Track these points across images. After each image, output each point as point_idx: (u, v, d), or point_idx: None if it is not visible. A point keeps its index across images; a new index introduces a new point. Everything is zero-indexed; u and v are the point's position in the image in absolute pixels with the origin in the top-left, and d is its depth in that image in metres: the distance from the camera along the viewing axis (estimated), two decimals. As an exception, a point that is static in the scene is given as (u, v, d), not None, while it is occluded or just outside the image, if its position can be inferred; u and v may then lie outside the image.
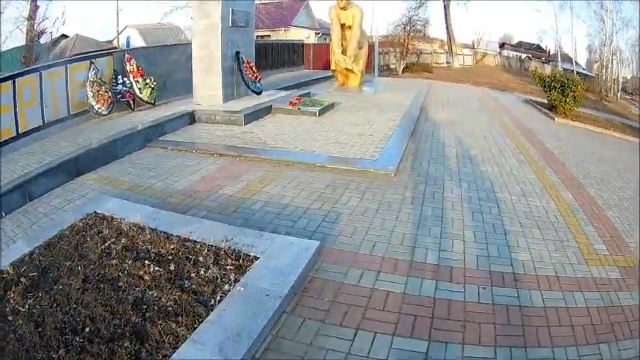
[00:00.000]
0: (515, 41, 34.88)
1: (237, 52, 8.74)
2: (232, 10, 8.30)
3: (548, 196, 4.66)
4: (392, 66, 24.32)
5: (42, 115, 7.19)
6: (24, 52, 14.16)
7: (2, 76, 6.69)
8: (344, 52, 11.59)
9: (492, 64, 29.70)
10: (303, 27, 29.07)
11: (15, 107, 6.63)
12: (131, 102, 8.70)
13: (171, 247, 2.90)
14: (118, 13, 28.91)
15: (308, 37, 27.31)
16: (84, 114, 7.96)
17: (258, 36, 24.99)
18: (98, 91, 7.97)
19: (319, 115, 7.57)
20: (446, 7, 27.43)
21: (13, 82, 6.66)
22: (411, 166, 5.05)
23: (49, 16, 15.28)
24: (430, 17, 28.65)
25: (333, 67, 12.20)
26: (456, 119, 8.59)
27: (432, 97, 11.64)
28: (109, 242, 3.02)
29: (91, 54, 9.34)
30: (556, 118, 11.00)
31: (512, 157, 6.15)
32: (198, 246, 2.91)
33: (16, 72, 6.96)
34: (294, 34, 26.30)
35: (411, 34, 24.61)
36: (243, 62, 8.76)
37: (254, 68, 9.10)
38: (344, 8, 11.46)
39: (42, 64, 8.13)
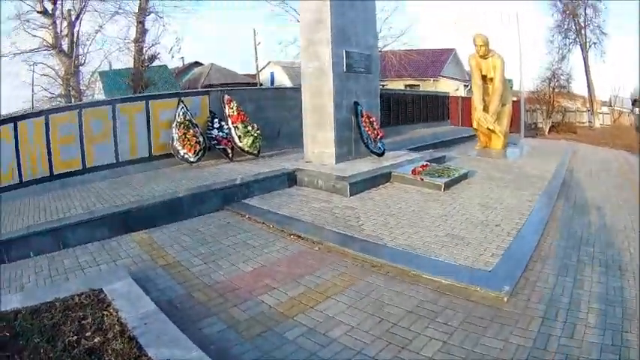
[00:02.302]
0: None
1: (356, 103, 9.10)
2: (346, 53, 8.82)
3: None
4: (539, 125, 28.90)
5: (115, 153, 8.66)
6: (131, 76, 17.26)
7: (62, 107, 8.42)
8: (485, 108, 12.65)
9: (627, 124, 33.20)
10: (452, 78, 34.69)
11: (81, 140, 8.21)
12: (229, 150, 9.70)
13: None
14: (255, 47, 33.40)
15: (457, 89, 33.10)
16: (170, 157, 9.18)
17: (406, 85, 30.74)
18: (185, 134, 9.06)
19: (445, 189, 7.71)
20: (585, 60, 32.73)
21: (79, 114, 8.23)
22: (534, 282, 4.56)
23: (159, 42, 18.66)
24: (572, 70, 33.52)
25: (474, 125, 13.27)
26: (598, 200, 8.34)
27: (574, 166, 12.11)
28: (81, 335, 3.21)
29: (183, 91, 10.86)
30: None
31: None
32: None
33: (82, 103, 8.57)
34: (444, 85, 31.83)
35: (556, 89, 30.37)
36: (362, 116, 9.04)
37: (375, 124, 9.31)
38: (484, 56, 12.52)
39: (118, 97, 9.80)
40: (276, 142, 11.04)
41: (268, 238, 5.66)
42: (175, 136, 9.09)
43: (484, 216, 6.41)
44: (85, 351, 3.04)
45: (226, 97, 10.16)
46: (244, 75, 37.12)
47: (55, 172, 8.07)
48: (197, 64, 38.59)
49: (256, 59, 34.51)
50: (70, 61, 17.67)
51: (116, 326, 3.33)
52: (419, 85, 32.14)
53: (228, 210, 6.86)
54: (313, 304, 4.06)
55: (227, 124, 9.87)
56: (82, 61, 18.51)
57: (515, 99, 17.24)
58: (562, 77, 31.31)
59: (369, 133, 9.10)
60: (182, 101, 9.50)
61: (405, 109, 18.04)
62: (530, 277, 4.67)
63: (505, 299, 4.14)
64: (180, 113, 9.30)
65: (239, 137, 9.77)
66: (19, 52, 17.67)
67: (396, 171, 8.32)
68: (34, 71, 18.78)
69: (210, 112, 10.03)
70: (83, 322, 3.40)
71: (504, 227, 5.92)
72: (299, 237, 5.65)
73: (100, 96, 24.07)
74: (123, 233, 5.87)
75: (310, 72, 8.94)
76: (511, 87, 17.93)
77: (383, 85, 27.17)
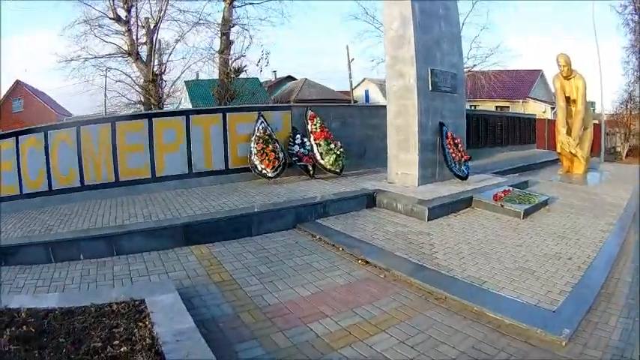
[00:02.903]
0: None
1: (441, 124, 9.14)
2: (431, 71, 8.92)
3: None
4: (618, 149, 30.60)
5: (188, 164, 9.20)
6: (216, 87, 18.07)
7: (130, 114, 9.13)
8: (569, 132, 13.33)
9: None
10: (540, 100, 37.39)
11: (151, 149, 8.90)
12: (310, 167, 9.83)
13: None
14: (349, 64, 34.02)
15: (544, 111, 35.43)
16: (248, 171, 9.50)
17: (497, 106, 33.26)
18: (264, 149, 9.28)
19: (524, 216, 7.91)
20: None
21: (150, 122, 8.90)
22: (595, 323, 4.55)
23: (245, 54, 19.35)
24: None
25: (558, 149, 13.91)
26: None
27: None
28: (108, 343, 3.31)
29: (263, 106, 11.20)
30: None
31: None
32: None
33: (152, 112, 9.14)
34: (532, 107, 35.06)
35: (632, 112, 30.87)
36: (447, 137, 9.05)
37: (460, 146, 9.29)
38: (567, 77, 13.08)
39: (191, 108, 10.31)
40: (361, 162, 11.09)
41: (334, 262, 5.65)
42: (254, 150, 9.36)
43: (558, 247, 6.53)
44: (107, 358, 3.13)
45: (310, 112, 10.36)
46: (339, 91, 37.95)
47: (121, 179, 8.66)
48: (290, 78, 40.20)
49: (350, 76, 35.42)
50: (148, 69, 18.71)
51: (147, 339, 3.36)
52: (509, 107, 35.48)
53: (300, 229, 6.94)
54: (364, 336, 3.99)
55: (309, 141, 10.04)
56: (162, 70, 19.53)
57: (596, 122, 18.22)
58: (637, 99, 31.82)
59: (453, 155, 9.12)
60: (262, 115, 9.80)
61: (494, 131, 18.62)
62: (592, 317, 4.72)
63: (564, 343, 4.16)
64: (260, 127, 9.58)
65: (321, 154, 9.89)
66: (91, 56, 18.89)
67: (478, 196, 8.50)
68: (106, 76, 20.12)
69: (293, 127, 10.26)
70: (114, 330, 3.51)
71: (576, 261, 6.04)
72: (366, 262, 5.65)
73: (187, 104, 25.42)
74: (183, 245, 6.06)
75: (395, 90, 9.10)
76: (593, 110, 18.81)
77: (475, 106, 28.83)
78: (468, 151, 9.73)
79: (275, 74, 38.81)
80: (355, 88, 38.26)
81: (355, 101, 34.86)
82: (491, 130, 18.31)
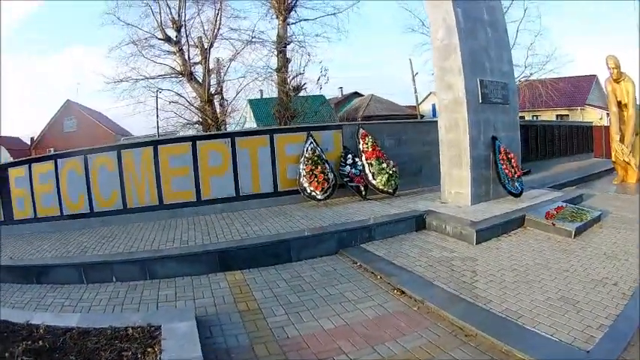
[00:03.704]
0: None
1: (494, 138, 8.92)
2: (481, 82, 8.77)
3: None
4: None
5: (235, 187, 9.47)
6: (276, 106, 18.36)
7: (173, 138, 9.51)
8: (622, 138, 13.33)
9: None
10: (597, 106, 37.19)
11: (195, 171, 9.26)
12: (362, 188, 9.80)
13: None
14: (413, 78, 33.96)
15: (601, 117, 35.19)
16: (298, 194, 9.60)
17: (557, 115, 33.48)
18: (312, 170, 9.33)
19: (575, 235, 7.70)
20: None
21: (194, 145, 9.25)
22: None
23: (303, 72, 19.54)
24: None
25: (612, 157, 13.97)
26: None
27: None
28: None
29: (312, 125, 11.28)
30: None
31: None
32: None
33: (197, 135, 9.45)
34: (591, 115, 35.42)
35: None
36: (500, 152, 8.83)
37: (513, 161, 9.05)
38: (617, 80, 13.10)
39: (237, 130, 10.63)
40: (417, 180, 10.97)
41: (369, 292, 5.56)
42: (302, 172, 9.43)
43: (605, 271, 6.30)
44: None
45: (361, 131, 10.32)
46: (406, 106, 37.84)
47: (166, 202, 9.03)
48: (356, 94, 40.51)
49: (415, 90, 35.39)
50: (203, 89, 19.19)
51: (153, 365, 3.45)
52: (568, 115, 36.16)
53: (342, 255, 6.91)
54: (384, 378, 3.72)
55: (361, 160, 9.99)
56: (219, 90, 20.10)
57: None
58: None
59: (507, 171, 8.89)
60: (311, 135, 9.89)
61: (552, 141, 18.40)
62: (627, 356, 4.43)
63: (591, 392, 3.94)
64: (309, 148, 9.67)
65: (373, 175, 9.80)
66: (141, 77, 19.56)
67: (530, 214, 8.30)
68: (157, 97, 20.69)
69: (344, 147, 10.27)
70: (123, 353, 3.69)
71: (622, 286, 5.81)
72: (402, 292, 5.52)
73: (252, 123, 25.86)
74: (218, 271, 6.21)
75: (445, 104, 9.03)
76: (644, 113, 18.12)
77: (537, 116, 29.26)
78: (527, 163, 9.51)
79: (341, 91, 39.22)
80: (421, 102, 38.08)
81: (422, 116, 34.70)
82: (549, 140, 18.13)
